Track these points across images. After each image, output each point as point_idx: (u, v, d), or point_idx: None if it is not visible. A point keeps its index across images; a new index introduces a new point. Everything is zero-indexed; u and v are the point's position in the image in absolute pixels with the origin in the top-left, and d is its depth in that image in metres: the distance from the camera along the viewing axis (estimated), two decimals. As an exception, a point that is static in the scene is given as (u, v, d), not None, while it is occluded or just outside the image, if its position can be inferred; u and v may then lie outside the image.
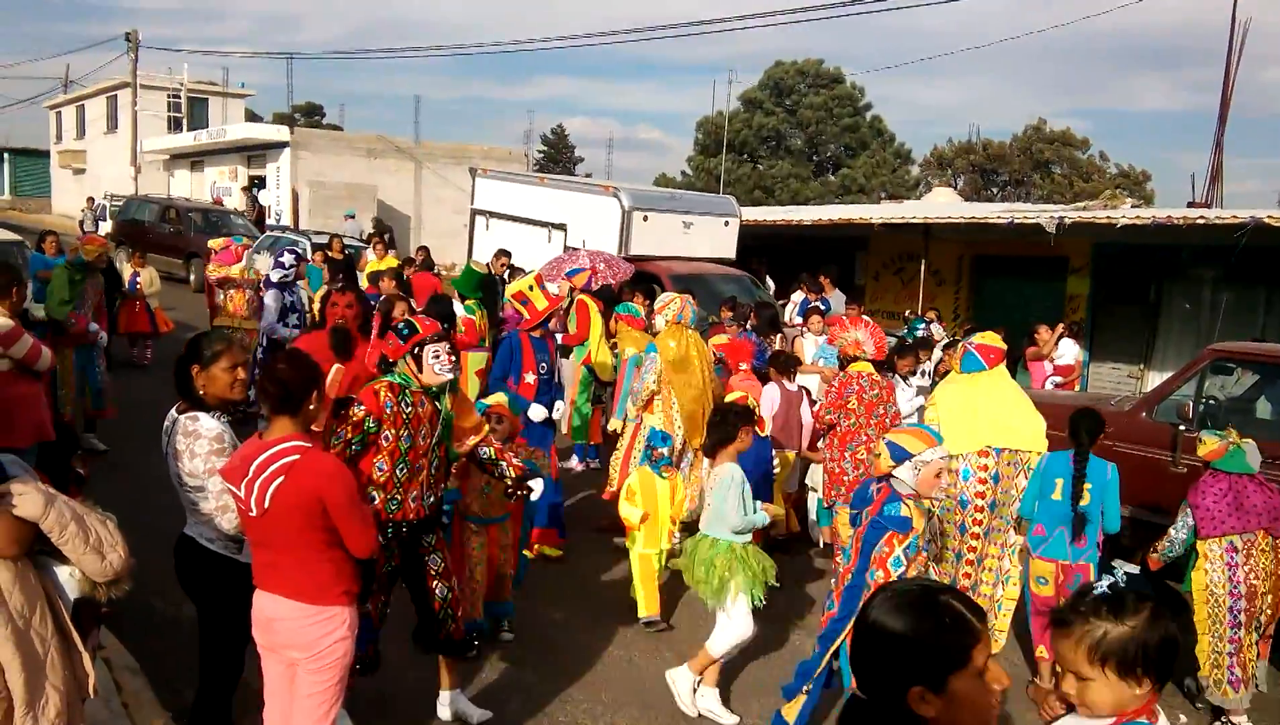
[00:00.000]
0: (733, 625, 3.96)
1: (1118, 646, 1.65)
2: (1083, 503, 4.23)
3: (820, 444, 5.93)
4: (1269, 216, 9.21)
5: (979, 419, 4.62)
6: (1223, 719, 4.05)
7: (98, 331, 6.96)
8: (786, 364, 6.22)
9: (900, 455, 3.34)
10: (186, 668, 3.30)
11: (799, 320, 8.58)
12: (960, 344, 5.10)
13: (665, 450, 4.90)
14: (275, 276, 7.74)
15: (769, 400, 5.90)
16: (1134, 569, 1.77)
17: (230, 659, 3.10)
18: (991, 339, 4.82)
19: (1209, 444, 4.26)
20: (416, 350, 3.41)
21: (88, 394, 6.97)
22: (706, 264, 10.76)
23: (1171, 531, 4.32)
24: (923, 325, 8.90)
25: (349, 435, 3.31)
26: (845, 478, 5.55)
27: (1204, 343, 8.44)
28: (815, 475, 6.26)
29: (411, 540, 3.48)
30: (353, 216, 20.58)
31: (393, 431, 3.35)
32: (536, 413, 5.40)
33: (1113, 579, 1.75)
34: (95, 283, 7.22)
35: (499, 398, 4.59)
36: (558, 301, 5.55)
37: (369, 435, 3.33)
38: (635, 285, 9.19)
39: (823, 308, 8.52)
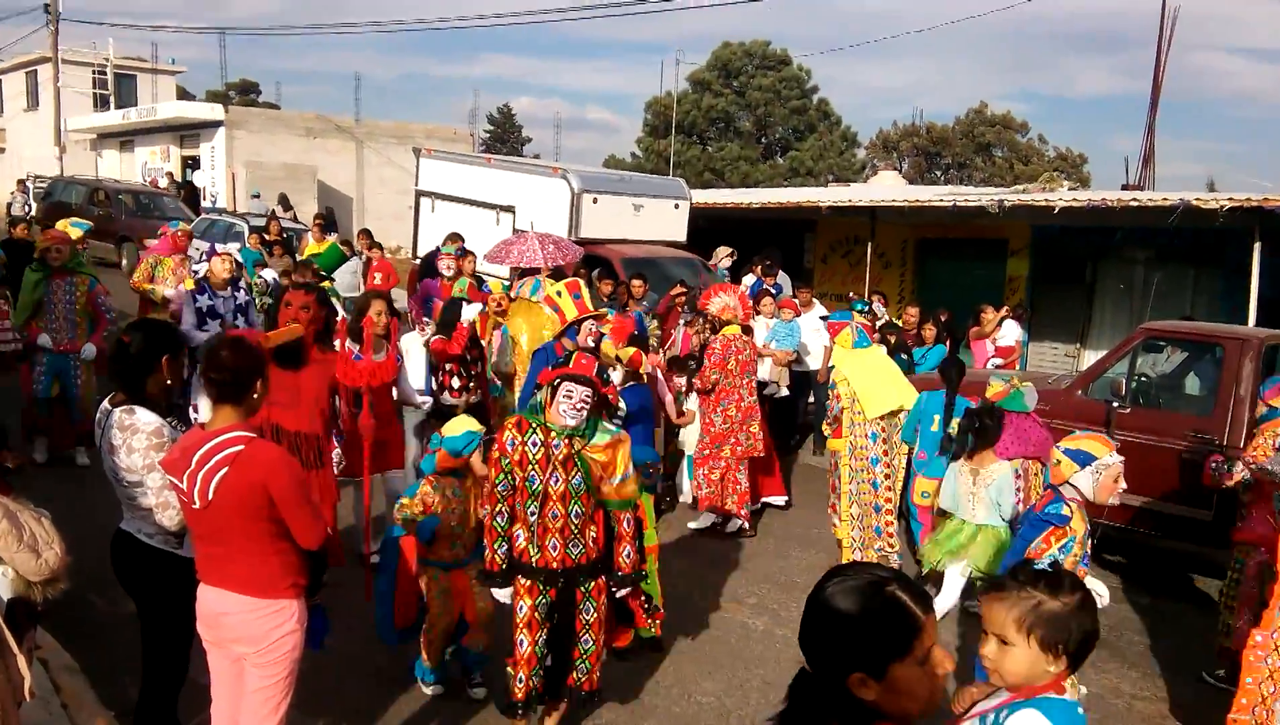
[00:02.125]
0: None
1: (1047, 618, 1.73)
2: (951, 429, 5.24)
3: (689, 406, 6.56)
4: (1197, 199, 9.58)
5: (883, 385, 5.57)
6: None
7: (84, 344, 6.50)
8: (647, 345, 6.62)
9: (1085, 460, 3.27)
10: (129, 665, 3.22)
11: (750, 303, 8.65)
12: (848, 323, 5.86)
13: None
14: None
15: (659, 378, 6.39)
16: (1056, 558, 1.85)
17: (174, 656, 3.03)
18: (864, 319, 5.99)
19: (995, 387, 5.04)
20: (555, 382, 3.19)
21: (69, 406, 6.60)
22: (657, 247, 10.77)
23: None
24: (863, 306, 9.06)
25: (492, 477, 3.25)
26: (713, 429, 6.20)
27: (1137, 322, 8.78)
28: (687, 434, 6.73)
29: (566, 587, 3.26)
30: (258, 196, 20.19)
31: (520, 471, 3.20)
32: None
33: (1055, 559, 1.83)
34: (66, 286, 6.47)
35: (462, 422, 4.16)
36: (587, 312, 5.19)
37: (510, 473, 3.22)
38: (586, 268, 9.19)
39: (774, 292, 8.61)
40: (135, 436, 2.89)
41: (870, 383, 5.55)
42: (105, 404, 3.03)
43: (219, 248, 7.07)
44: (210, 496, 2.58)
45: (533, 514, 3.19)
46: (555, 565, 3.20)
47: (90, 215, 16.40)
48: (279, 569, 2.69)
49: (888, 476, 5.56)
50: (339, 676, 3.97)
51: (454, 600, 3.79)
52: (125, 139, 26.90)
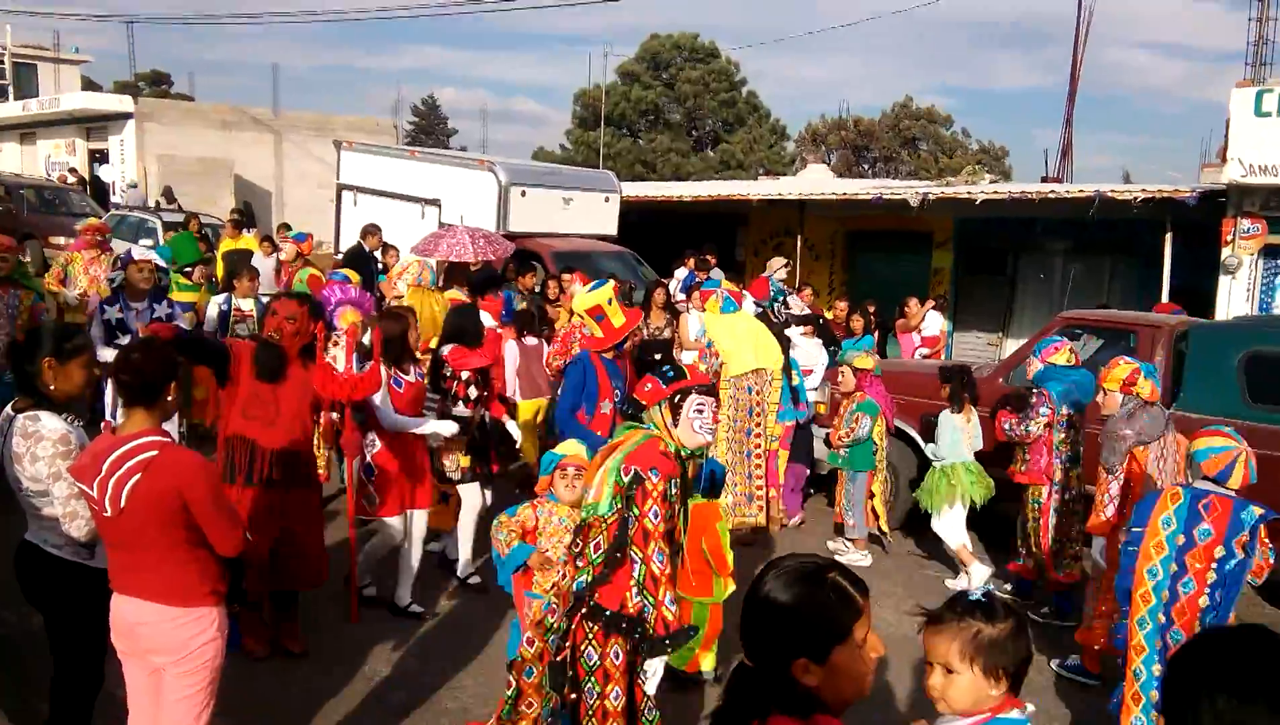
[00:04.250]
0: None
1: (988, 644, 1.80)
2: (794, 382, 6.27)
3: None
4: (1112, 190, 10.05)
5: (745, 347, 5.94)
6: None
7: None
8: (525, 322, 6.77)
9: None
10: (39, 680, 3.07)
11: (682, 296, 8.72)
12: (715, 291, 6.27)
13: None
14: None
15: (510, 356, 6.44)
16: (988, 587, 1.94)
17: (87, 670, 2.92)
18: (731, 286, 6.44)
19: (863, 361, 5.90)
20: (677, 398, 2.80)
21: None
22: (588, 240, 10.75)
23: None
24: (780, 297, 9.23)
25: (660, 511, 2.67)
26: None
27: (1056, 311, 9.16)
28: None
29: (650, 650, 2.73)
30: (135, 186, 19.56)
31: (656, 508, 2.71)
32: None
33: (987, 589, 1.93)
34: (10, 297, 5.83)
35: (573, 447, 3.61)
36: (637, 317, 4.77)
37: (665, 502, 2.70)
38: (518, 262, 9.11)
39: (710, 285, 8.68)
40: (40, 444, 2.77)
41: (735, 344, 5.94)
42: (8, 410, 2.89)
43: (136, 253, 6.05)
44: (122, 503, 2.49)
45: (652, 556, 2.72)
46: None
47: (-11, 211, 15.51)
48: (196, 576, 2.61)
49: (759, 427, 5.95)
50: (266, 680, 3.87)
51: None
52: (26, 131, 25.42)
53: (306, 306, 4.06)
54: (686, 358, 7.32)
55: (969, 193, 11.20)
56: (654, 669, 2.89)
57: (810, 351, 7.33)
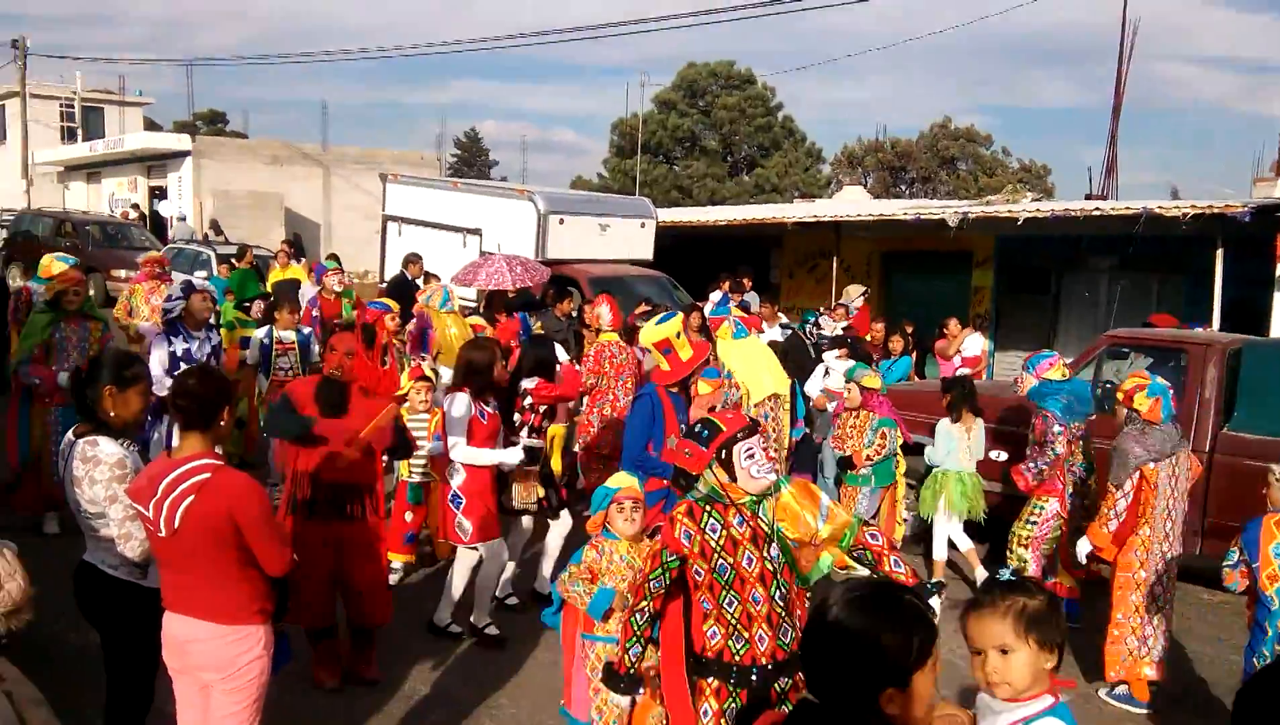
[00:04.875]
0: None
1: (1038, 616, 1.80)
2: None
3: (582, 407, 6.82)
4: (1159, 206, 9.80)
5: (761, 372, 6.03)
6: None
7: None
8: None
9: None
10: (95, 696, 3.19)
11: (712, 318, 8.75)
12: (726, 317, 6.48)
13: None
14: (163, 313, 6.05)
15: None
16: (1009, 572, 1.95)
17: (139, 687, 3.02)
18: (741, 312, 6.72)
19: (872, 380, 5.99)
20: (723, 453, 2.74)
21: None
22: (624, 266, 10.86)
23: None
24: (812, 318, 9.20)
25: (647, 569, 2.77)
26: (592, 429, 6.53)
27: (1101, 330, 8.97)
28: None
29: (761, 686, 2.71)
30: (184, 219, 20.46)
31: (703, 564, 2.71)
32: None
33: (1015, 569, 1.94)
34: (80, 330, 5.92)
35: (625, 480, 3.51)
36: (706, 349, 4.70)
37: (671, 570, 2.74)
38: (556, 288, 9.26)
39: (720, 312, 8.72)
40: (97, 468, 2.89)
41: (751, 370, 6.00)
42: (69, 435, 3.04)
43: (196, 282, 6.24)
44: (176, 524, 2.59)
45: (731, 605, 2.69)
46: (765, 659, 2.69)
47: (57, 246, 16.25)
48: (246, 596, 2.70)
49: (777, 452, 6.02)
50: (310, 699, 3.95)
51: None
52: (92, 170, 26.66)
53: (360, 339, 4.22)
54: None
55: (1010, 211, 11.05)
56: (623, 702, 2.94)
57: (839, 375, 7.31)
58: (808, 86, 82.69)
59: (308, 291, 9.66)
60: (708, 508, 2.75)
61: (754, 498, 2.75)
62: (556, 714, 4.04)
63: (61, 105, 29.16)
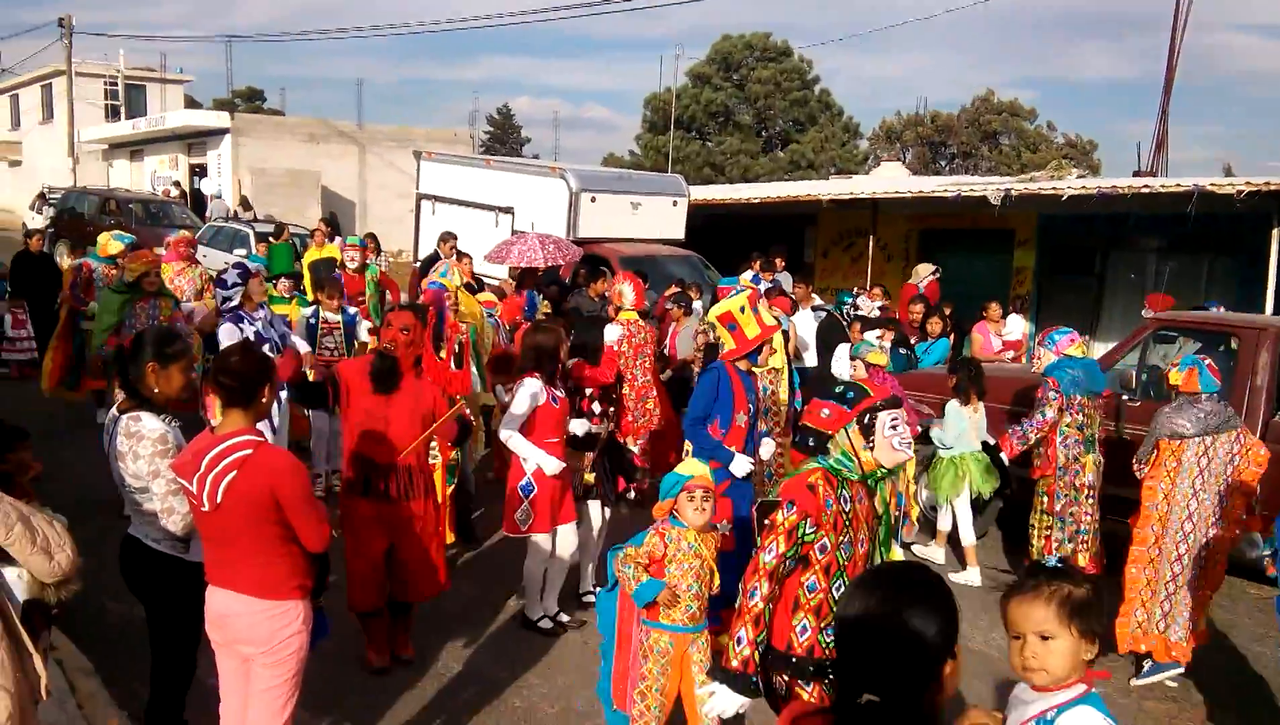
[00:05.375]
0: None
1: (1082, 604, 1.77)
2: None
3: None
4: (1212, 184, 9.43)
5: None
6: None
7: None
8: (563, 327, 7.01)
9: None
10: (141, 667, 3.28)
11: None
12: (732, 287, 6.18)
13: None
14: (220, 301, 5.89)
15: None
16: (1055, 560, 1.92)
17: (181, 658, 3.09)
18: (750, 285, 6.46)
19: (877, 357, 5.82)
20: (866, 418, 2.62)
21: None
22: (656, 245, 10.79)
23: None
24: (849, 299, 9.06)
25: (782, 548, 2.50)
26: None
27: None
28: None
29: None
30: (219, 198, 20.94)
31: (831, 538, 2.53)
32: (740, 467, 4.19)
33: (1061, 556, 1.90)
34: (150, 307, 6.14)
35: (697, 467, 3.35)
36: (773, 329, 4.50)
37: (804, 547, 2.52)
38: (589, 268, 9.23)
39: (779, 287, 8.63)
40: (141, 443, 2.94)
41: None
42: (113, 411, 3.09)
43: (250, 265, 6.07)
44: (219, 499, 2.63)
45: (839, 591, 2.52)
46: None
47: (102, 224, 16.64)
48: (286, 571, 2.74)
49: (775, 427, 6.11)
50: (344, 675, 4.03)
51: (674, 671, 3.18)
52: (135, 148, 27.14)
53: (413, 315, 4.08)
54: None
55: (1054, 188, 10.75)
56: (733, 707, 2.60)
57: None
58: (846, 59, 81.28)
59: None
60: (842, 478, 2.59)
61: (878, 474, 2.65)
62: (585, 693, 4.06)
63: (106, 83, 29.69)
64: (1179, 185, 9.76)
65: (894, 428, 2.62)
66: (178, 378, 3.06)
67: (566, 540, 4.57)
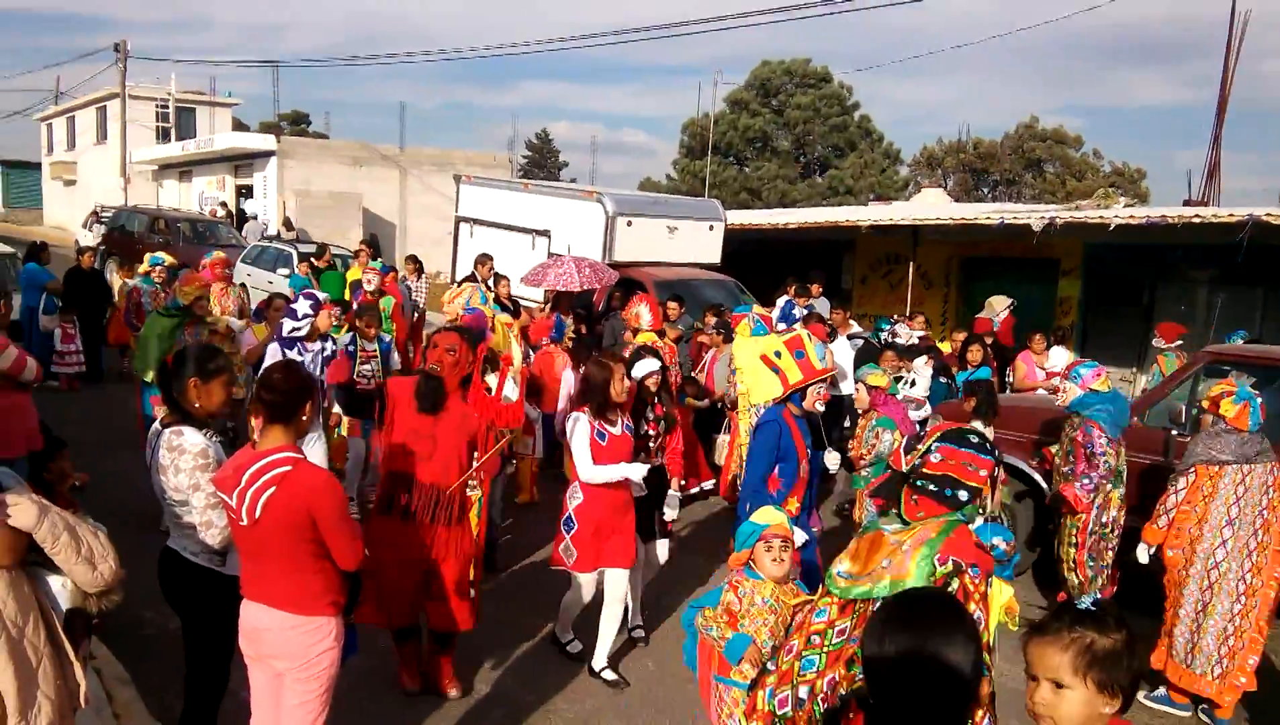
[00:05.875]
0: None
1: (1103, 656, 1.66)
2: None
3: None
4: (1268, 214, 9.15)
5: (765, 376, 5.69)
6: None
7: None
8: (579, 353, 7.01)
9: None
10: (176, 678, 3.30)
11: (783, 326, 8.60)
12: (747, 315, 6.55)
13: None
14: (285, 329, 5.74)
15: (566, 383, 6.69)
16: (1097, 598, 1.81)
17: (215, 670, 3.11)
18: (765, 310, 6.83)
19: (877, 379, 5.79)
20: (997, 469, 2.54)
21: None
22: (691, 269, 10.78)
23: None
24: (888, 326, 8.92)
25: (982, 615, 2.31)
26: None
27: (1199, 345, 8.49)
28: None
29: None
30: (256, 218, 21.49)
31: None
32: (800, 537, 3.78)
33: (1096, 598, 1.78)
34: (195, 332, 6.22)
35: (774, 515, 3.16)
36: (817, 374, 4.26)
37: None
38: (624, 292, 9.25)
39: (815, 313, 8.55)
40: (182, 457, 2.98)
41: (757, 371, 5.84)
42: (156, 424, 3.14)
43: (320, 296, 6.00)
44: (258, 514, 2.65)
45: None
46: None
47: (152, 243, 17.12)
48: (319, 587, 2.75)
49: None
50: (374, 693, 4.03)
51: None
52: (184, 169, 27.96)
53: (465, 339, 4.04)
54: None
55: (1101, 217, 10.55)
56: None
57: (925, 383, 7.15)
58: (886, 85, 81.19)
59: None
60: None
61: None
62: (611, 719, 4.04)
63: (157, 106, 30.70)
64: (1231, 215, 9.52)
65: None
66: (219, 393, 3.11)
67: (616, 583, 4.32)
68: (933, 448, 2.52)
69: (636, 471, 4.23)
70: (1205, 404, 4.45)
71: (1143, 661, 1.75)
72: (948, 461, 2.50)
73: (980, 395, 5.79)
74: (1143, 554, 4.55)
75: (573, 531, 4.27)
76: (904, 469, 2.56)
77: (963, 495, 2.46)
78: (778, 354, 4.22)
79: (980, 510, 2.50)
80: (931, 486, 2.47)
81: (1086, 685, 1.66)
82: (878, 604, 2.26)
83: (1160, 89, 72.82)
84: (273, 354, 5.58)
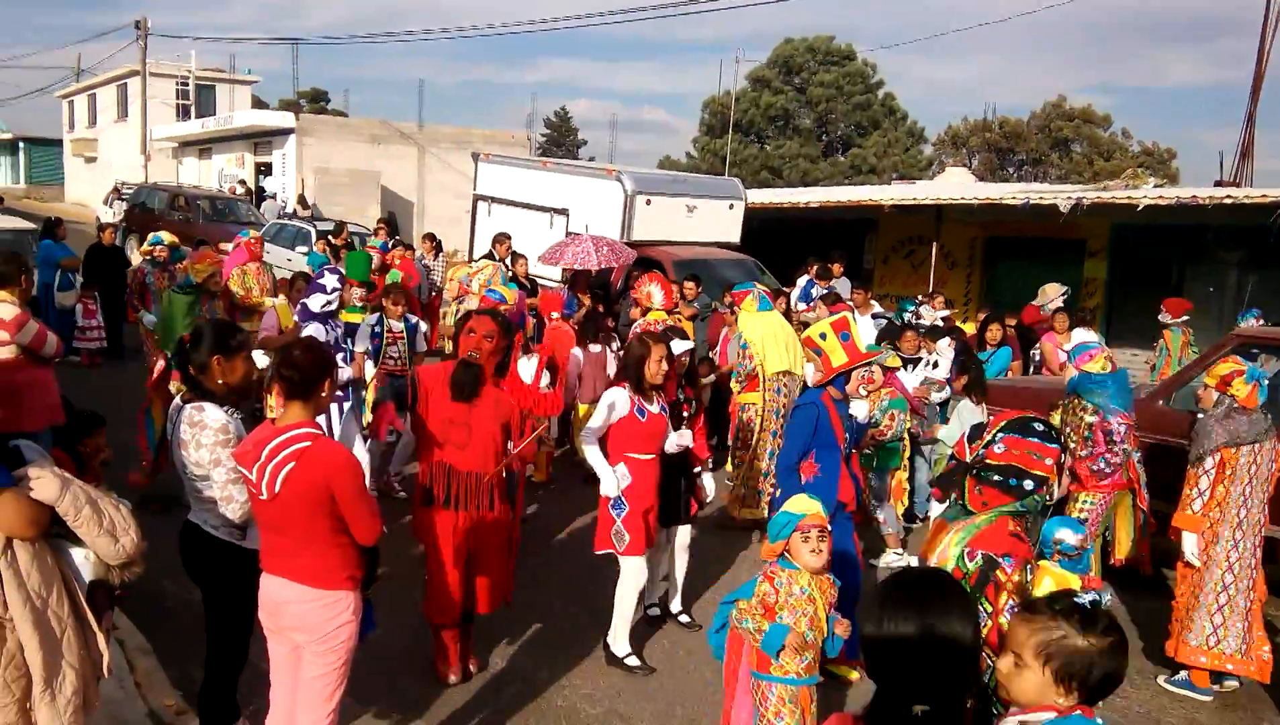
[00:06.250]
0: None
1: (1069, 652, 1.71)
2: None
3: None
4: (1302, 194, 9.02)
5: (778, 346, 6.22)
6: None
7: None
8: (590, 330, 7.03)
9: None
10: (196, 650, 3.34)
11: (803, 306, 8.53)
12: (751, 290, 6.51)
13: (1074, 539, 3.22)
14: (315, 305, 5.66)
15: (575, 360, 6.67)
16: (1107, 597, 1.82)
17: (235, 642, 3.14)
18: (766, 288, 6.80)
19: (891, 359, 5.97)
20: (1063, 457, 2.54)
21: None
22: (709, 248, 10.70)
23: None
24: (911, 307, 8.81)
25: (1000, 604, 2.30)
26: None
27: (1227, 328, 8.34)
28: None
29: None
30: (274, 197, 21.56)
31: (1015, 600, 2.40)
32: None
33: (1097, 596, 1.79)
34: (210, 309, 6.26)
35: (809, 504, 3.08)
36: (862, 358, 4.15)
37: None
38: (641, 271, 9.19)
39: (834, 293, 8.47)
40: (203, 432, 3.00)
41: (769, 343, 6.19)
42: (177, 400, 3.15)
43: (341, 271, 6.07)
44: (277, 489, 2.66)
45: None
46: None
47: (171, 219, 17.23)
48: (337, 561, 2.76)
49: (782, 431, 6.17)
50: (390, 669, 4.05)
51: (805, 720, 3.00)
52: (204, 147, 28.09)
53: (501, 325, 3.93)
54: (807, 370, 7.17)
55: (1129, 198, 10.35)
56: None
57: (948, 364, 7.07)
58: (911, 63, 79.97)
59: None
60: (1021, 518, 2.47)
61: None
62: (629, 696, 4.05)
63: (178, 83, 30.82)
64: (1265, 196, 9.32)
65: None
66: (240, 368, 3.12)
67: (652, 561, 4.28)
68: (997, 438, 2.52)
69: (607, 486, 4.11)
70: (1212, 382, 4.45)
71: (1121, 666, 1.75)
72: (1012, 451, 2.50)
73: (971, 373, 5.88)
74: (1189, 546, 4.36)
75: (623, 513, 4.12)
76: (968, 459, 2.57)
77: (1028, 484, 2.46)
78: (823, 336, 4.10)
79: (1047, 499, 2.50)
80: (996, 476, 2.48)
81: (1043, 672, 1.71)
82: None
83: (1192, 67, 71.29)
84: (316, 332, 5.51)
